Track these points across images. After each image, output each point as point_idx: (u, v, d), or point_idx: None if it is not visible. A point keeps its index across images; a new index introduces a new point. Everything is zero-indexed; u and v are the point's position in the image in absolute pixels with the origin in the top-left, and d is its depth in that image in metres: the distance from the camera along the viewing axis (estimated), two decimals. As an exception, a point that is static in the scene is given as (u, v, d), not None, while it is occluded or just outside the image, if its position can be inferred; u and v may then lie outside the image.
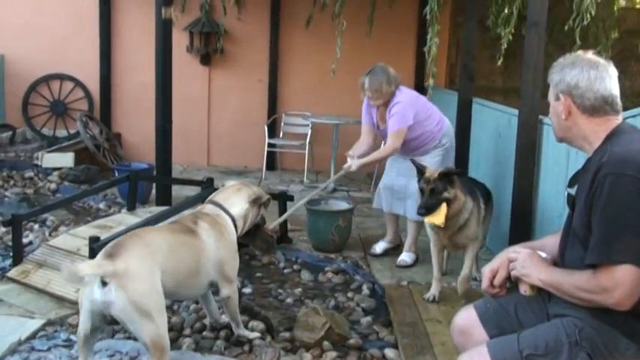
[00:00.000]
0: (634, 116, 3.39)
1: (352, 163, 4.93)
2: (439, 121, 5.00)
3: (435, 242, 4.24)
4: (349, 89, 7.91)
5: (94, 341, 3.05)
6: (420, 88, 8.07)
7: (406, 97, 4.84)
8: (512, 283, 2.32)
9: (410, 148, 4.90)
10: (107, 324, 3.33)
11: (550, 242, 2.37)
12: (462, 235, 4.13)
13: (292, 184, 7.96)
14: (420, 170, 4.10)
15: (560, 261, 2.23)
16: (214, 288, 3.49)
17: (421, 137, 4.88)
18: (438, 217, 3.94)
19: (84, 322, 2.90)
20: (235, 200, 3.58)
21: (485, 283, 2.33)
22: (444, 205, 3.93)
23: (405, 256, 5.03)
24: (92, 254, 3.91)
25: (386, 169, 5.28)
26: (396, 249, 5.25)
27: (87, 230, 4.75)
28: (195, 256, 3.24)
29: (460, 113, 6.22)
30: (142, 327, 2.82)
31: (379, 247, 5.29)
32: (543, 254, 2.27)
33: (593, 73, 2.15)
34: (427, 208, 3.96)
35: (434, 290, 4.22)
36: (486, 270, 2.34)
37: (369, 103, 4.99)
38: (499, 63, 5.50)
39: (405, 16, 8.44)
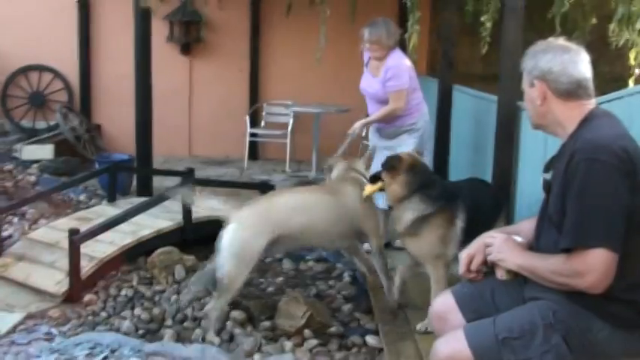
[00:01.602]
0: (609, 101, 3.41)
1: (355, 126, 4.88)
2: (420, 102, 4.96)
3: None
4: (330, 77, 7.95)
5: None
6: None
7: (403, 61, 4.82)
8: (489, 267, 2.34)
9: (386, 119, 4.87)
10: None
11: (526, 227, 2.38)
12: (414, 245, 3.52)
13: (274, 173, 7.96)
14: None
15: (535, 245, 2.24)
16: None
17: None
18: (369, 188, 3.69)
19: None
20: None
21: (462, 269, 2.35)
22: (379, 184, 3.58)
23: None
24: (72, 246, 3.91)
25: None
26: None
27: (67, 222, 4.74)
28: (330, 212, 3.77)
29: (441, 100, 6.22)
30: (225, 266, 3.45)
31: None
32: (519, 239, 2.29)
33: (566, 57, 2.17)
34: (371, 177, 3.74)
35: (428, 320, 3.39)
36: (463, 255, 2.36)
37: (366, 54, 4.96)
38: (483, 51, 5.47)
39: (385, 2, 8.42)
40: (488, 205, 3.65)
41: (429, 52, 8.82)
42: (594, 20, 6.48)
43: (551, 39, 2.27)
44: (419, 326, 3.50)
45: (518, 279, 2.24)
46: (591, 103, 2.18)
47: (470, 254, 2.34)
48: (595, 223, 1.94)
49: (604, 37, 7.68)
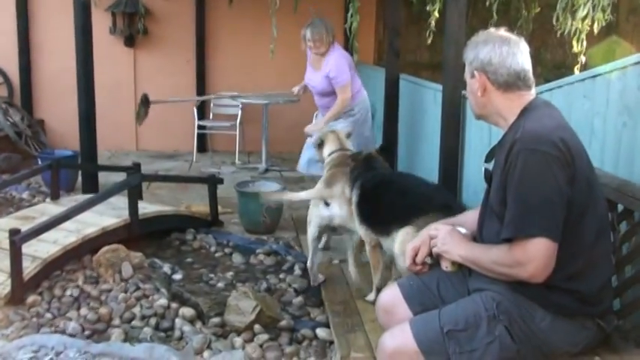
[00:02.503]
0: (550, 90, 3.46)
1: (314, 128, 5.20)
2: (357, 91, 5.28)
3: None
4: (278, 68, 7.87)
5: (319, 243, 4.12)
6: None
7: (341, 55, 5.22)
8: (434, 259, 2.35)
9: (322, 104, 5.39)
10: (331, 230, 4.13)
11: (469, 218, 2.40)
12: None
13: (224, 165, 7.88)
14: None
15: (478, 236, 2.26)
16: None
17: (334, 97, 5.20)
18: None
19: (313, 231, 3.96)
20: None
21: (407, 261, 2.36)
22: None
23: None
24: (13, 247, 3.80)
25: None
26: None
27: (8, 222, 4.60)
28: None
29: (388, 90, 6.24)
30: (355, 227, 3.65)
31: None
32: (463, 230, 2.30)
33: (505, 49, 2.18)
34: None
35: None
36: (409, 248, 2.37)
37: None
38: (429, 41, 5.48)
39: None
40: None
41: (377, 41, 8.84)
42: (537, 8, 6.57)
43: (492, 29, 2.29)
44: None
45: (463, 270, 2.26)
46: (531, 93, 2.21)
47: (415, 247, 2.35)
48: (535, 212, 1.96)
49: (545, 24, 7.84)
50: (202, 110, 8.46)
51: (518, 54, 2.19)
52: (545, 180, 1.97)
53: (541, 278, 1.97)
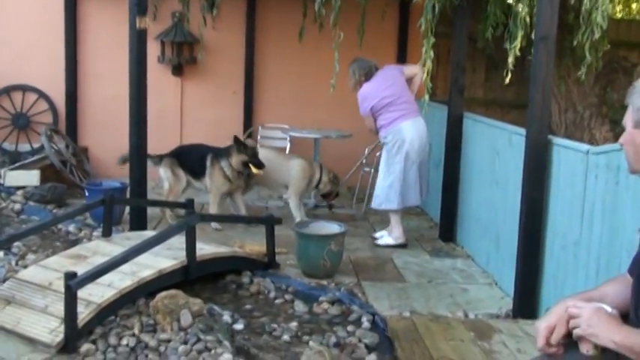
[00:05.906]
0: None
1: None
2: (391, 121, 5.82)
3: None
4: (328, 102, 7.65)
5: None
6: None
7: (364, 89, 5.94)
8: (568, 339, 2.04)
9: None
10: None
11: (611, 291, 2.09)
12: None
13: (270, 200, 7.64)
14: None
15: (633, 315, 1.95)
16: None
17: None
18: None
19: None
20: None
21: (540, 342, 2.04)
22: None
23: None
24: (68, 292, 3.55)
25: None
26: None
27: (59, 261, 4.36)
28: None
29: (450, 128, 5.98)
30: None
31: None
32: (609, 309, 1.99)
33: None
34: None
35: None
36: (542, 326, 2.05)
37: None
38: (507, 80, 5.14)
39: (384, 27, 8.15)
40: None
41: (429, 77, 8.58)
42: (607, 46, 6.27)
43: None
44: None
45: (607, 354, 1.95)
46: None
47: (549, 325, 2.03)
48: None
49: (611, 63, 7.54)
50: (249, 142, 8.23)
51: None
52: None
53: None
